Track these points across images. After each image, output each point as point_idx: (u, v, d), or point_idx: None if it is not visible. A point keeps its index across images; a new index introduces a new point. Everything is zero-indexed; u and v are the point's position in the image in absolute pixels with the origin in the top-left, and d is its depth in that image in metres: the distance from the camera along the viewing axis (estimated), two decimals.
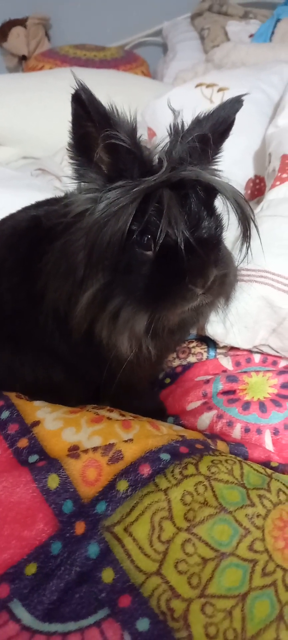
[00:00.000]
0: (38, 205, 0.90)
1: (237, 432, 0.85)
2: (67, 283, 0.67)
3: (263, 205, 1.01)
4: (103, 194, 0.62)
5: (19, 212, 0.90)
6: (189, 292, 0.62)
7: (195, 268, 0.61)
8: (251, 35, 2.40)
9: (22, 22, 2.71)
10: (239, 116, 1.56)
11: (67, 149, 0.64)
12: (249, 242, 0.70)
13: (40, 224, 0.80)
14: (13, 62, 2.83)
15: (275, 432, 0.85)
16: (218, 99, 1.45)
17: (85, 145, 0.63)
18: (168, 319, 0.64)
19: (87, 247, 0.62)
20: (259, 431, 0.85)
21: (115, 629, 0.49)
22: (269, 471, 0.63)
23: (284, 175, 1.07)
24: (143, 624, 0.49)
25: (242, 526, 0.55)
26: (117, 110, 0.63)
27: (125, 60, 2.60)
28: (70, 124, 0.62)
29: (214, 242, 0.64)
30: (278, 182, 1.06)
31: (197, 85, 1.47)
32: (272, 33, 2.32)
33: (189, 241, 0.60)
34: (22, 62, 2.80)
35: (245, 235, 0.68)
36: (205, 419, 0.88)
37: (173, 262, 0.61)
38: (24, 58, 2.79)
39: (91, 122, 0.60)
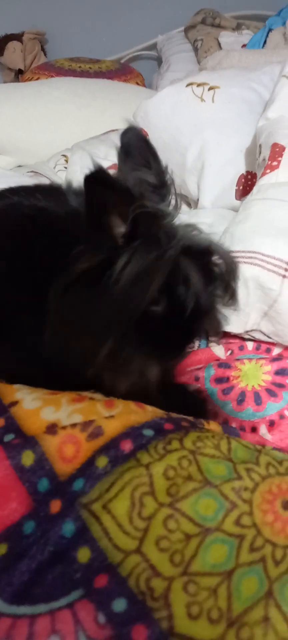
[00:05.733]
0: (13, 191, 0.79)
1: None
2: (87, 340, 0.63)
3: (254, 190, 0.99)
4: (121, 254, 0.59)
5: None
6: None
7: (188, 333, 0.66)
8: (244, 46, 2.42)
9: (18, 37, 2.74)
10: (231, 116, 1.55)
11: None
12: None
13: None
14: (10, 76, 2.86)
15: (271, 424, 0.81)
16: (209, 97, 1.45)
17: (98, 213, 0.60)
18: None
19: (112, 308, 0.60)
20: (254, 429, 0.81)
21: (89, 610, 0.45)
22: (259, 447, 0.59)
23: (274, 163, 1.05)
24: (119, 604, 0.45)
25: (228, 500, 0.51)
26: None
27: (121, 72, 2.63)
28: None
29: (211, 309, 0.68)
30: (268, 170, 1.05)
31: (188, 85, 1.47)
32: (264, 42, 2.34)
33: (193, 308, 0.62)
34: (19, 76, 2.83)
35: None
36: None
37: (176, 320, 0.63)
38: (20, 72, 2.82)
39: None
